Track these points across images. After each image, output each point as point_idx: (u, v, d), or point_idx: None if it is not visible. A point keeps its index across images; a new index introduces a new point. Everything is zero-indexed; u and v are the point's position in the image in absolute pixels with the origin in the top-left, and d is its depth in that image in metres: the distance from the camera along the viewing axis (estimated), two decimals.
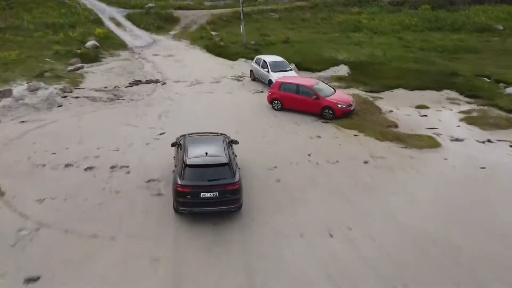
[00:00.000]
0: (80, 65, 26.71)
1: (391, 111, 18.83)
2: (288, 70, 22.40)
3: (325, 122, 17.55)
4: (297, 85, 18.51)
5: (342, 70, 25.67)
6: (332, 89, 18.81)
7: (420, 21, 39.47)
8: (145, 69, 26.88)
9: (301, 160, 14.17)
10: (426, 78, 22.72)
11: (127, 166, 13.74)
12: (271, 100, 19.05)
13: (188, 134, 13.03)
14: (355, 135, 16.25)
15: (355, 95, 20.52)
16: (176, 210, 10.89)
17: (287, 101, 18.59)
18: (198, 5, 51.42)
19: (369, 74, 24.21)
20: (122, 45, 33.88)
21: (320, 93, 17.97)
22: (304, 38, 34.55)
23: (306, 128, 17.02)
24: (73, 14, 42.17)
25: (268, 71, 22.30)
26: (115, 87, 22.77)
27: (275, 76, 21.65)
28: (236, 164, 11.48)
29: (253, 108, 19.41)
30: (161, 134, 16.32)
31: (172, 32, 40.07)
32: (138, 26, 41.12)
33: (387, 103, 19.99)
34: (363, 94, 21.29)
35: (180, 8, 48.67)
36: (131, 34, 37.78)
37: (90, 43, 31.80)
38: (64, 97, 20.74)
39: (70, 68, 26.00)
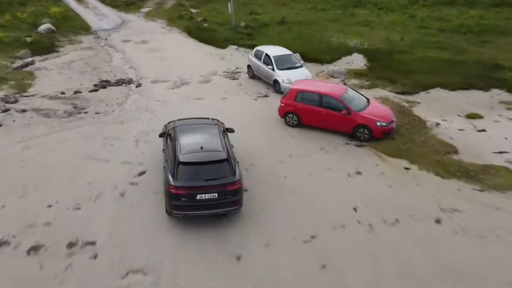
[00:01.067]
0: (30, 59, 21.24)
1: (438, 124, 14.62)
2: (298, 67, 17.78)
3: (360, 146, 13.26)
4: (320, 95, 13.96)
5: (357, 61, 21.23)
6: (365, 99, 14.35)
7: None
8: (114, 63, 21.68)
9: (346, 219, 9.91)
10: (466, 73, 18.48)
11: (93, 243, 9.23)
12: (284, 114, 14.54)
13: (178, 120, 11.71)
14: (405, 168, 12.04)
15: (385, 100, 16.24)
16: (169, 213, 9.69)
17: (306, 115, 14.12)
18: None
19: (392, 67, 19.79)
20: (84, 28, 28.13)
21: (351, 106, 13.54)
22: (302, 17, 29.52)
23: (337, 157, 12.67)
24: None
25: (272, 69, 17.56)
26: (76, 92, 17.63)
27: (282, 75, 17.12)
28: (235, 158, 10.15)
29: (259, 123, 14.82)
30: (140, 174, 11.71)
31: (144, 10, 34.21)
32: (104, 2, 34.98)
33: (428, 110, 15.75)
34: (394, 97, 16.94)
35: None
36: (95, 13, 31.80)
37: (44, 26, 25.98)
38: (6, 110, 15.67)
39: (16, 64, 20.50)
